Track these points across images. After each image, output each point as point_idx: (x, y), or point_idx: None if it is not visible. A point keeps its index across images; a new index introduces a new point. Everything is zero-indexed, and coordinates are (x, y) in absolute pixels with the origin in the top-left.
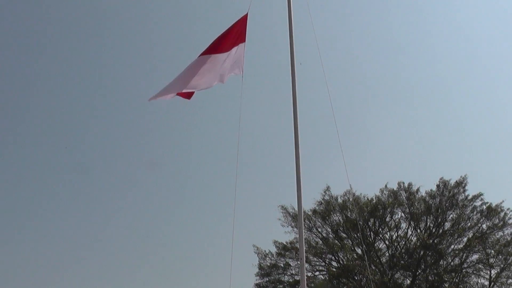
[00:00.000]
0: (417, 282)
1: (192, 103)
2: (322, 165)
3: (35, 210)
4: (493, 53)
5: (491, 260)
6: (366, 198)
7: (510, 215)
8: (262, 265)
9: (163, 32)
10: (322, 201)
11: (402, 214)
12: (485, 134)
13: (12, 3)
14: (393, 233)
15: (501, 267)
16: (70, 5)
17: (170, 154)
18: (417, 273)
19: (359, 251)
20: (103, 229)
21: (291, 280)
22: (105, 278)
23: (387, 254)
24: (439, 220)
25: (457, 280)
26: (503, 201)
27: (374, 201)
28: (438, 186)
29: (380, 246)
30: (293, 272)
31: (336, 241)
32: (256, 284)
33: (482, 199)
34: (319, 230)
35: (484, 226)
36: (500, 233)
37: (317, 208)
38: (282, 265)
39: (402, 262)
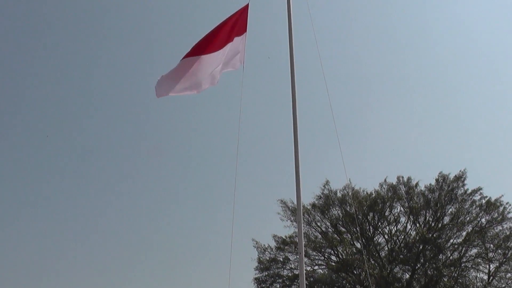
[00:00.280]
0: (416, 276)
1: (191, 97)
2: (321, 159)
3: (34, 209)
4: (491, 48)
5: (490, 255)
6: (365, 192)
7: (509, 210)
8: (261, 259)
9: (161, 27)
10: (321, 196)
11: (401, 209)
12: (484, 129)
13: (12, 3)
14: (392, 227)
15: (500, 262)
16: (70, 5)
17: (169, 148)
18: (416, 267)
19: (358, 245)
20: (101, 225)
21: (290, 274)
22: (105, 270)
23: (386, 248)
24: (438, 214)
25: (456, 274)
26: (502, 195)
27: (373, 195)
28: (437, 180)
29: (379, 240)
30: (292, 266)
31: (335, 235)
32: (255, 278)
33: (481, 194)
34: (318, 224)
35: (483, 220)
36: (499, 227)
37: (316, 202)
38: (281, 259)
39: (401, 256)
